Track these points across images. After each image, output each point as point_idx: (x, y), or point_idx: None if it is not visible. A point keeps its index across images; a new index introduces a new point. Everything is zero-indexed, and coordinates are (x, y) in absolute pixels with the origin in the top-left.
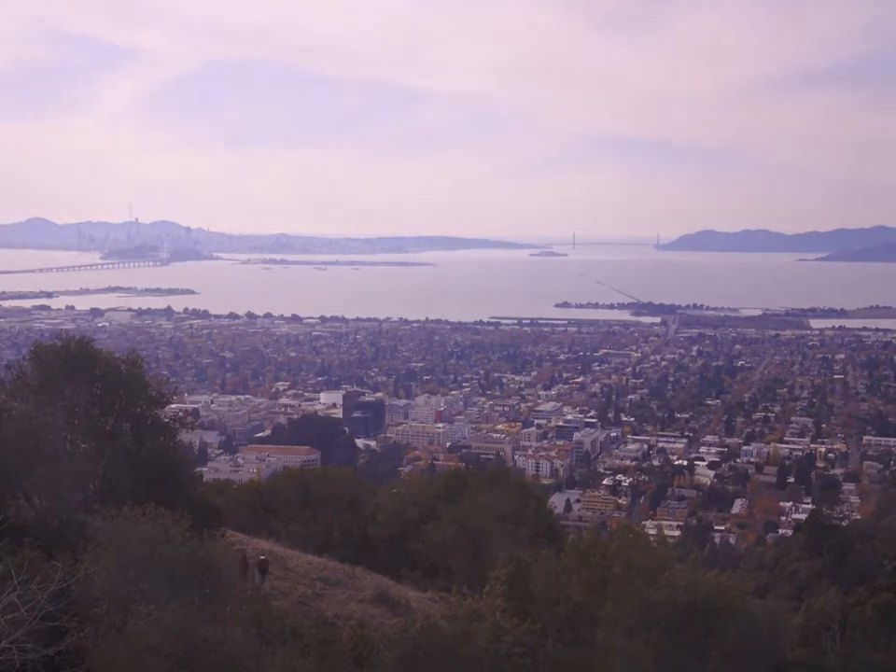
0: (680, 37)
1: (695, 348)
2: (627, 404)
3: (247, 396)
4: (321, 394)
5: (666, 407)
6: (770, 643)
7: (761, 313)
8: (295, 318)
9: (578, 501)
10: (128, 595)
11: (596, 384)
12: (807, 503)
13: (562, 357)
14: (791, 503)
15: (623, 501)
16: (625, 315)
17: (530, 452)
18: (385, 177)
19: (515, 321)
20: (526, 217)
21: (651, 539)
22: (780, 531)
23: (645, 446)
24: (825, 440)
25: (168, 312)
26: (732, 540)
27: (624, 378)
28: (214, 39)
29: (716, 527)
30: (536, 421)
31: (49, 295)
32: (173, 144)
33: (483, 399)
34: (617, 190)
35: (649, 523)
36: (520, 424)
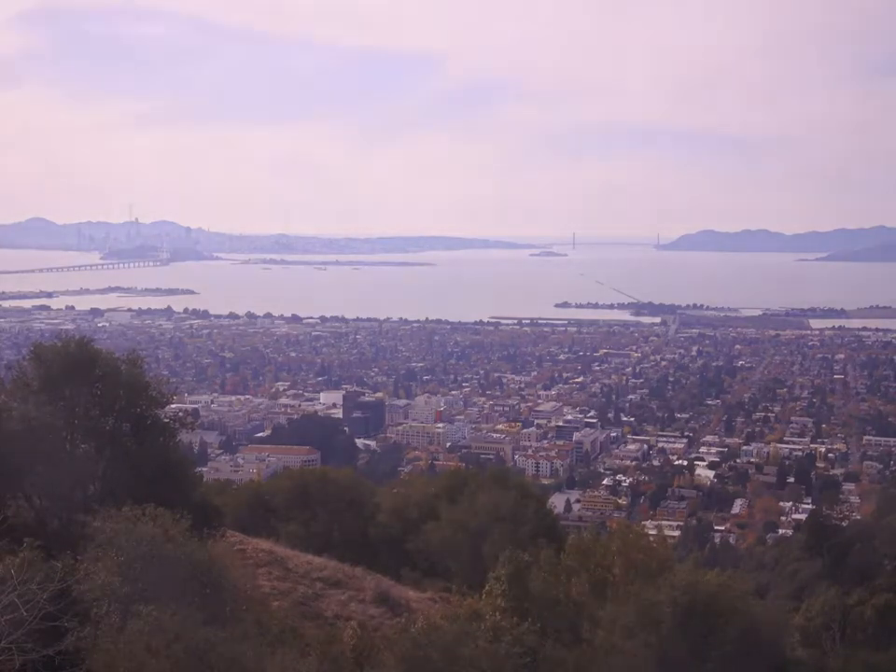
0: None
1: (695, 348)
2: (627, 404)
3: (247, 396)
4: (321, 394)
5: (666, 407)
6: (770, 643)
7: (761, 313)
8: (295, 318)
9: (578, 501)
10: (128, 595)
11: (596, 384)
12: (807, 503)
13: (562, 357)
14: (791, 503)
15: (623, 501)
16: (625, 315)
17: (530, 452)
18: (378, 170)
19: (515, 321)
20: (526, 217)
21: (651, 539)
22: (780, 531)
23: (645, 446)
24: (825, 440)
25: (168, 312)
26: (732, 540)
27: (624, 378)
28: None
29: (716, 527)
30: (536, 421)
31: (49, 295)
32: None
33: (483, 398)
34: (617, 189)
35: (649, 523)
36: (520, 424)
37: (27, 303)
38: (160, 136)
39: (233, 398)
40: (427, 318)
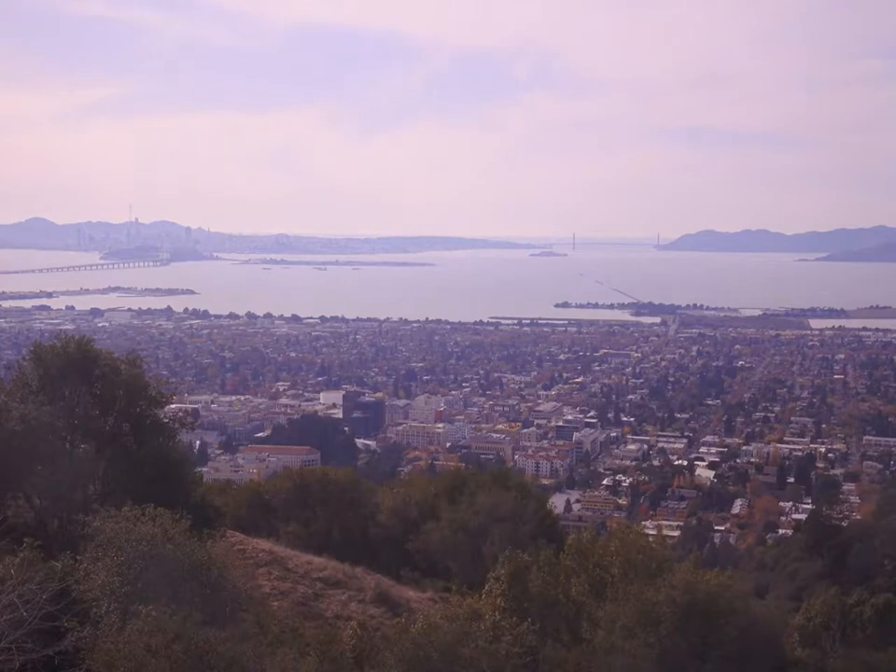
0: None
1: (695, 348)
2: (627, 404)
3: (247, 396)
4: (321, 394)
5: (666, 407)
6: (770, 643)
7: (761, 313)
8: (295, 318)
9: (578, 501)
10: (128, 594)
11: (596, 384)
12: (807, 503)
13: (562, 357)
14: (791, 503)
15: (623, 501)
16: (625, 315)
17: (530, 452)
18: (374, 165)
19: (515, 321)
20: (526, 217)
21: (651, 539)
22: (780, 531)
23: (645, 446)
24: (825, 440)
25: (168, 312)
26: (732, 540)
27: (624, 378)
28: None
29: (716, 527)
30: (536, 421)
31: (49, 295)
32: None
33: (483, 399)
34: (617, 189)
35: (649, 523)
36: (520, 424)
37: (27, 303)
38: (128, 125)
39: (233, 398)
40: (427, 318)
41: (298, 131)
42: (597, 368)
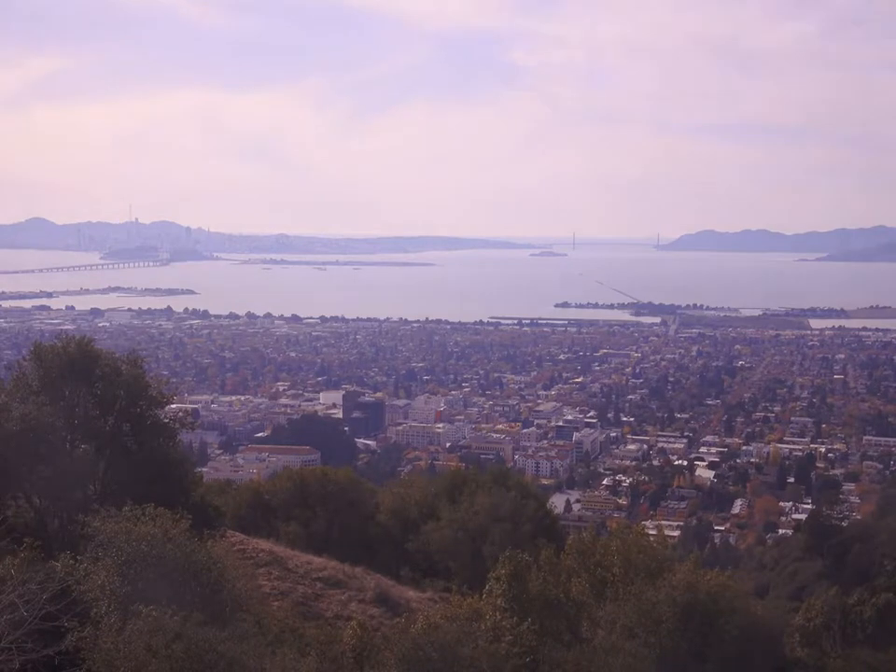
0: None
1: (695, 348)
2: (627, 404)
3: (247, 396)
4: (321, 394)
5: (666, 407)
6: (770, 643)
7: (761, 313)
8: (295, 318)
9: (578, 501)
10: (128, 595)
11: (596, 384)
12: (807, 503)
13: (562, 357)
14: (791, 503)
15: (623, 501)
16: (625, 315)
17: (530, 452)
18: (373, 161)
19: (515, 321)
20: (527, 217)
21: (651, 539)
22: (780, 531)
23: (645, 446)
24: (825, 440)
25: (168, 312)
26: (732, 540)
27: (624, 378)
28: None
29: (716, 527)
30: (536, 421)
31: (49, 295)
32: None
33: (482, 399)
34: (618, 188)
35: (649, 523)
36: (520, 424)
37: (27, 303)
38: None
39: (233, 398)
40: (427, 318)
41: (293, 124)
42: (597, 368)
